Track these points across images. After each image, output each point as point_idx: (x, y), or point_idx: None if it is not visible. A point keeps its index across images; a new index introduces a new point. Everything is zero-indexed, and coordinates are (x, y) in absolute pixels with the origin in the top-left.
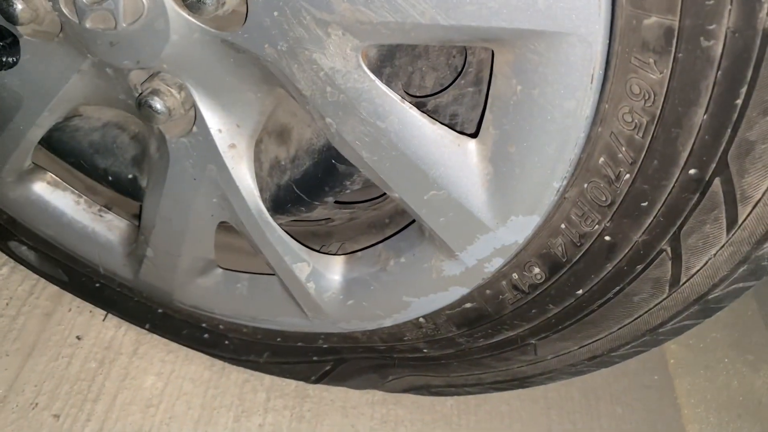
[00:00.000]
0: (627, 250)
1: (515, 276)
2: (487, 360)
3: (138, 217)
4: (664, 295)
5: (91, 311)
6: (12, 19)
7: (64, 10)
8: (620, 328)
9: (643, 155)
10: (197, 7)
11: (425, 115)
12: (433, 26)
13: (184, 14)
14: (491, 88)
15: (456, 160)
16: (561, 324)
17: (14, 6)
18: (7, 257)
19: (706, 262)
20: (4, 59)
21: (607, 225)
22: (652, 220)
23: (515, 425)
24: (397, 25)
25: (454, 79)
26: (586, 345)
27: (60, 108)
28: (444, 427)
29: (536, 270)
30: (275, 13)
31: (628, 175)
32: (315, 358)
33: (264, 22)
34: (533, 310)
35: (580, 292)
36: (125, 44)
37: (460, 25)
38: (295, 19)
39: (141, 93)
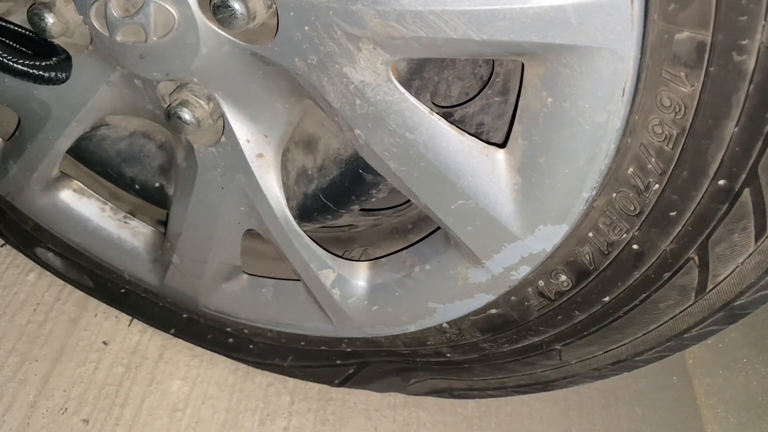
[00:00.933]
0: (654, 259)
1: (541, 283)
2: (510, 364)
3: (163, 223)
4: (690, 302)
5: (116, 316)
6: (43, 32)
7: (95, 24)
8: (645, 334)
9: (672, 166)
10: (228, 21)
11: (453, 125)
12: (465, 41)
13: (215, 28)
14: (521, 99)
15: (484, 170)
16: (586, 330)
17: (45, 20)
18: (34, 264)
19: (733, 270)
20: (57, 74)
21: (635, 234)
22: (681, 230)
23: (535, 426)
24: (428, 40)
25: (481, 89)
26: (610, 350)
27: (88, 118)
28: (465, 430)
29: (563, 277)
30: (306, 28)
31: (657, 186)
32: (338, 362)
33: (295, 36)
34: (559, 317)
35: (607, 299)
36: (155, 57)
37: (492, 39)
38: (327, 33)
39: (170, 104)
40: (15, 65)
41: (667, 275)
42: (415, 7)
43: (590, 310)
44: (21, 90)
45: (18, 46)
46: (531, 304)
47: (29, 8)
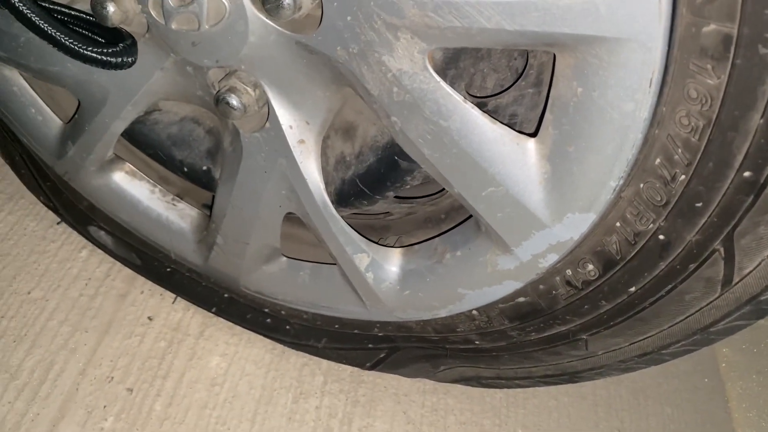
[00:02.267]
0: (680, 249)
1: (569, 272)
2: (538, 354)
3: (209, 206)
4: (716, 295)
5: (161, 294)
6: (104, 20)
7: (152, 13)
8: (671, 326)
9: (698, 157)
10: (275, 11)
11: (486, 114)
12: (499, 31)
13: (263, 17)
14: (552, 89)
15: (515, 158)
16: (613, 320)
17: (107, 8)
18: (86, 241)
19: (759, 263)
20: (124, 59)
21: (662, 224)
22: (706, 221)
23: (563, 420)
24: (463, 30)
25: (515, 81)
26: (636, 342)
27: (142, 102)
28: (492, 419)
29: (590, 267)
30: (348, 18)
31: (683, 177)
32: (370, 346)
33: (337, 25)
34: (585, 306)
35: (633, 289)
36: (207, 44)
37: (524, 30)
38: (367, 23)
39: (219, 90)
40: (85, 52)
41: (692, 266)
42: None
43: (617, 300)
44: (81, 75)
45: (86, 33)
46: (558, 293)
47: None
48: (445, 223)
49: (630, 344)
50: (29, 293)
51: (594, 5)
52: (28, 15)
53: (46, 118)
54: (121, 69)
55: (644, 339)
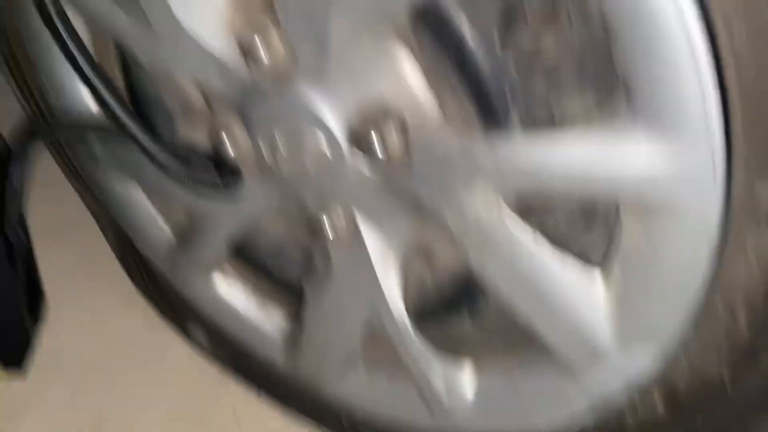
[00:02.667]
0: (744, 393)
1: (636, 401)
2: None
3: (298, 312)
4: None
5: (249, 393)
6: (220, 153)
7: (264, 153)
8: None
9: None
10: (371, 160)
11: (555, 250)
12: (569, 193)
13: (360, 162)
14: (617, 234)
15: (582, 292)
16: None
17: (224, 143)
18: (187, 340)
19: None
20: (228, 190)
21: (727, 367)
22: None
23: None
24: (536, 190)
25: (587, 221)
26: None
27: (247, 223)
28: None
29: (657, 398)
30: (434, 167)
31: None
32: None
33: (423, 172)
34: None
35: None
36: (309, 182)
37: (589, 193)
38: (450, 175)
39: (314, 214)
40: (196, 183)
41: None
42: (526, 167)
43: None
44: (193, 198)
45: (198, 162)
46: (626, 421)
47: (210, 132)
48: (522, 343)
49: None
50: (132, 388)
51: (656, 182)
52: (150, 150)
53: (160, 230)
54: (225, 196)
55: None
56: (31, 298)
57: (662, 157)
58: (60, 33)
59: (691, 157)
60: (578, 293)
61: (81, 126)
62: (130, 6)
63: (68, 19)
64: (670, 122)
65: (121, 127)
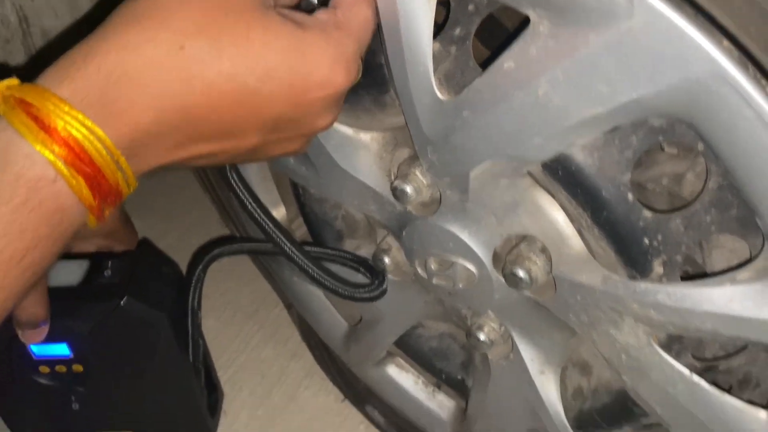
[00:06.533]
0: None
1: None
2: None
3: (464, 398)
4: None
5: None
6: (382, 268)
7: (418, 270)
8: None
9: None
10: (515, 284)
11: (713, 386)
12: (715, 333)
13: (506, 285)
14: None
15: (746, 428)
16: None
17: (384, 261)
18: (364, 417)
19: None
20: (376, 296)
21: None
22: None
23: None
24: (682, 327)
25: (742, 347)
26: None
27: (409, 322)
28: None
29: None
30: (578, 297)
31: None
32: None
33: (569, 300)
34: None
35: None
36: (460, 296)
37: (740, 336)
38: (594, 304)
39: (470, 324)
40: (346, 293)
41: None
42: (669, 303)
43: None
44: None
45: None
46: None
47: (374, 252)
48: None
49: None
50: None
51: None
52: (304, 266)
53: (335, 321)
54: (373, 301)
55: None
56: (210, 397)
57: None
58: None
59: None
60: (743, 426)
61: (252, 249)
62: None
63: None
64: None
65: (280, 250)
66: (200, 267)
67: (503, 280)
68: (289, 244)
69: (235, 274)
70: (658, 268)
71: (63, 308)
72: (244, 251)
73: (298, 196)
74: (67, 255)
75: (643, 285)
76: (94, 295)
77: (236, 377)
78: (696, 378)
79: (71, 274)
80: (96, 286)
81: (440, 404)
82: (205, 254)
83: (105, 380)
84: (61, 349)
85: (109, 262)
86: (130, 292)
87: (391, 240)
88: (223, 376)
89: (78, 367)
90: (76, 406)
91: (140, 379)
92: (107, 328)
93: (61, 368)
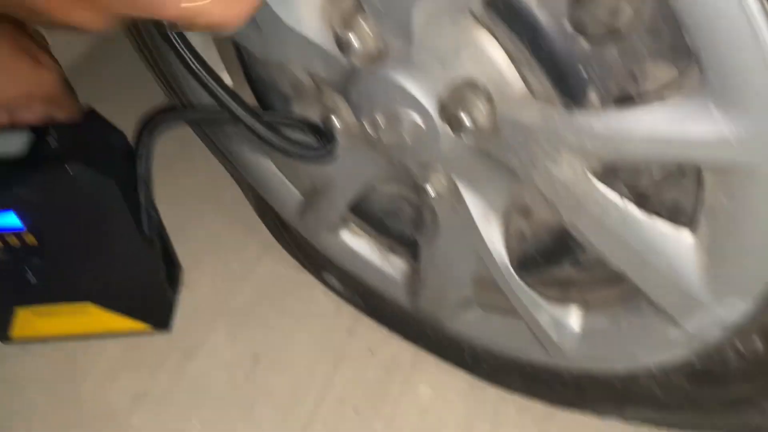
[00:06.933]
0: None
1: (738, 344)
2: (718, 410)
3: (415, 258)
4: None
5: (380, 330)
6: (331, 129)
7: (366, 127)
8: None
9: None
10: (460, 130)
11: (644, 211)
12: (647, 156)
13: (451, 133)
14: (703, 194)
15: (673, 249)
16: None
17: (332, 122)
18: (322, 284)
19: None
20: (330, 154)
21: None
22: None
23: None
24: (615, 154)
25: (677, 177)
26: None
27: (361, 185)
28: None
29: (757, 342)
30: (519, 138)
31: None
32: (559, 387)
33: (510, 141)
34: (757, 374)
35: None
36: (408, 151)
37: (668, 157)
38: (534, 142)
39: (419, 180)
40: (299, 154)
41: None
42: (604, 132)
43: None
44: (316, 166)
45: (299, 131)
46: (729, 361)
47: (322, 112)
48: (626, 283)
49: None
50: (280, 328)
51: (727, 142)
52: (254, 128)
53: (290, 192)
54: (327, 162)
55: None
56: (169, 270)
57: (733, 123)
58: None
59: (759, 123)
60: (668, 249)
61: (201, 117)
62: None
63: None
64: (738, 92)
65: (229, 112)
66: (147, 134)
67: (449, 128)
68: (237, 105)
69: (187, 158)
70: (593, 98)
71: (9, 177)
72: (192, 118)
73: (243, 62)
74: (9, 126)
75: (579, 115)
76: (41, 163)
77: (194, 254)
78: (628, 205)
79: (15, 144)
80: (41, 154)
81: (394, 266)
82: (151, 121)
83: (60, 252)
84: (12, 221)
85: (54, 131)
86: (77, 158)
87: (338, 99)
88: (181, 253)
89: (31, 239)
90: (33, 279)
91: (96, 250)
92: (56, 196)
93: (14, 241)
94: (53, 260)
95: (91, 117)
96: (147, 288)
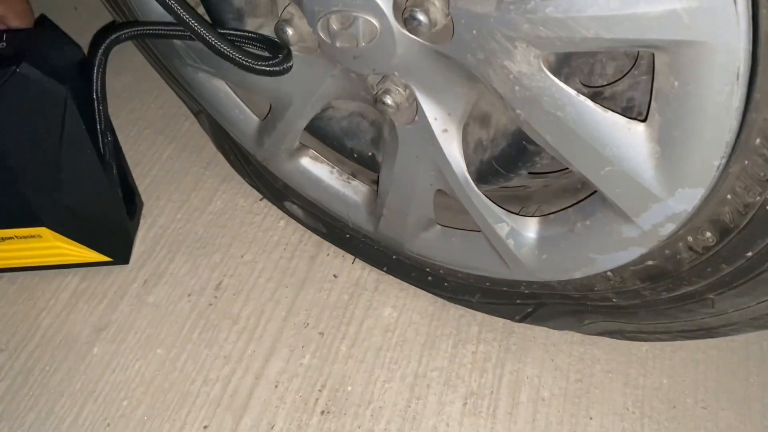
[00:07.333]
0: None
1: (689, 238)
2: (671, 311)
3: (376, 183)
4: None
5: (343, 256)
6: (285, 41)
7: (321, 34)
8: None
9: None
10: (415, 29)
11: (597, 104)
12: (599, 39)
13: (407, 33)
14: (655, 81)
15: (626, 141)
16: (735, 281)
17: (287, 32)
18: (283, 213)
19: None
20: (283, 67)
21: None
22: None
23: (710, 373)
24: (568, 39)
25: (629, 70)
26: (764, 301)
27: (318, 103)
28: (638, 368)
29: (708, 234)
30: (474, 31)
31: None
32: (518, 301)
33: (466, 38)
34: (708, 269)
35: (750, 254)
36: (364, 57)
37: (620, 38)
38: (489, 35)
39: (376, 92)
40: (255, 66)
41: None
42: (556, 15)
43: (736, 264)
44: (270, 84)
45: (254, 47)
46: (682, 257)
47: (275, 23)
48: (582, 192)
49: (758, 303)
50: (242, 257)
51: (677, 16)
52: (211, 40)
53: (246, 117)
54: (281, 75)
55: None
56: (128, 202)
57: None
58: None
59: None
60: (622, 141)
61: (156, 31)
62: None
63: None
64: None
65: (184, 25)
66: (102, 49)
67: (404, 29)
68: (191, 18)
69: (142, 91)
70: None
71: None
72: (147, 33)
73: None
74: None
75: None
76: None
77: (152, 187)
78: (582, 98)
79: None
80: None
81: (355, 190)
82: (106, 36)
83: (12, 167)
84: None
85: (4, 35)
86: (27, 60)
87: (292, 8)
88: (139, 187)
89: None
90: None
91: (50, 169)
92: (5, 99)
93: None
94: (5, 178)
95: (45, 25)
96: (105, 216)
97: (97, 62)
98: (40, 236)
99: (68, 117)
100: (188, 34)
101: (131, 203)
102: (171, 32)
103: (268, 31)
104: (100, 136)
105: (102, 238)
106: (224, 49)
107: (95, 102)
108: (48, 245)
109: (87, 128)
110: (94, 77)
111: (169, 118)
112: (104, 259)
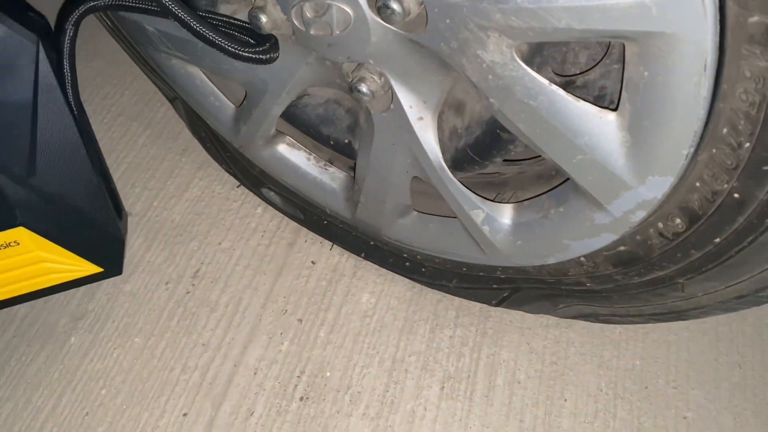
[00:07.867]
0: (754, 206)
1: (660, 225)
2: (643, 295)
3: (353, 169)
4: None
5: (321, 242)
6: (259, 27)
7: (295, 21)
8: (762, 272)
9: (759, 127)
10: (389, 18)
11: (570, 93)
12: (570, 29)
13: (381, 22)
14: (625, 71)
15: (598, 130)
16: (704, 266)
17: (260, 19)
18: (260, 200)
19: None
20: (270, 56)
21: (735, 184)
22: None
23: (681, 353)
24: (540, 29)
25: (601, 58)
26: (732, 285)
27: (294, 90)
28: (611, 351)
29: (678, 220)
30: (447, 20)
31: (748, 144)
32: (495, 286)
33: (439, 26)
34: (678, 254)
35: (718, 240)
36: (339, 45)
37: (590, 28)
38: (462, 25)
39: (352, 80)
40: (242, 53)
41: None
42: (528, 5)
43: (705, 250)
44: (246, 71)
45: (241, 37)
46: (653, 243)
47: (249, 10)
48: (556, 179)
49: (726, 287)
50: (220, 244)
51: (646, 7)
52: (193, 25)
53: (222, 104)
54: (269, 63)
55: (738, 283)
56: (113, 202)
57: None
58: None
59: None
60: (594, 130)
61: (128, 5)
62: None
63: None
64: None
65: (163, 8)
66: (71, 20)
67: (378, 18)
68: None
69: (115, 77)
70: None
71: None
72: (118, 5)
73: None
74: None
75: None
76: None
77: (127, 175)
78: (555, 88)
79: None
80: None
81: (332, 176)
82: (75, 7)
83: None
84: None
85: None
86: None
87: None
88: (114, 174)
89: None
90: None
91: (25, 148)
92: None
93: None
94: None
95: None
96: (90, 212)
97: (66, 34)
98: (18, 243)
99: (41, 76)
100: (159, 9)
101: (117, 208)
102: (144, 5)
103: (242, 17)
104: (73, 113)
105: (89, 240)
106: (208, 34)
107: (67, 76)
108: (28, 256)
109: (62, 92)
110: (65, 52)
111: (144, 104)
112: (95, 270)
